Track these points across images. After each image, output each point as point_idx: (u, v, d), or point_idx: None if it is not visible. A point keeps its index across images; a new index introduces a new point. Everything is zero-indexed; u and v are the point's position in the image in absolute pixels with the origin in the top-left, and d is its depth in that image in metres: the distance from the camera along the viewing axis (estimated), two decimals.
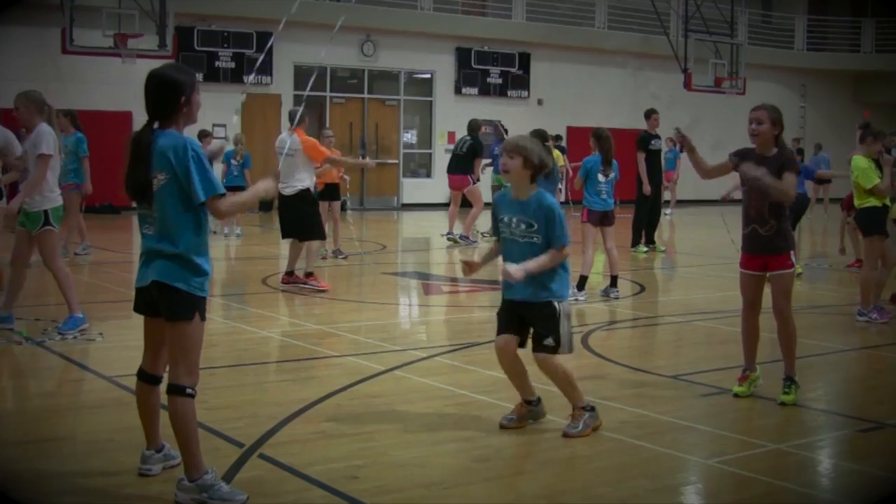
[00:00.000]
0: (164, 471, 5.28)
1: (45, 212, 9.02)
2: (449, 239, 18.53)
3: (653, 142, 17.66)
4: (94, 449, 5.72)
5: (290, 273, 12.32)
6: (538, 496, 5.15)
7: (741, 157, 7.13)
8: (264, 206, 25.88)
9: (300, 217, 12.19)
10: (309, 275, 12.13)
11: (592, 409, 6.27)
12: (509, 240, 6.27)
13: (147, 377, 5.23)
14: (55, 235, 9.17)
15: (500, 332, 6.30)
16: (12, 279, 9.44)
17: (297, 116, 12.00)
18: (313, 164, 12.47)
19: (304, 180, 12.20)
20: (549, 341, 6.14)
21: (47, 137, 8.94)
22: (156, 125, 4.95)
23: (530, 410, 6.37)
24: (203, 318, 5.02)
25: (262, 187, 5.23)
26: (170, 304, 4.93)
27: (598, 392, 7.24)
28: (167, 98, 4.94)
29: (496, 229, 6.45)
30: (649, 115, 17.82)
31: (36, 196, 8.99)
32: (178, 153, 4.84)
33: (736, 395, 7.17)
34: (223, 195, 4.94)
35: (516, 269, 6.02)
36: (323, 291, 11.88)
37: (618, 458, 5.79)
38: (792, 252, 7.08)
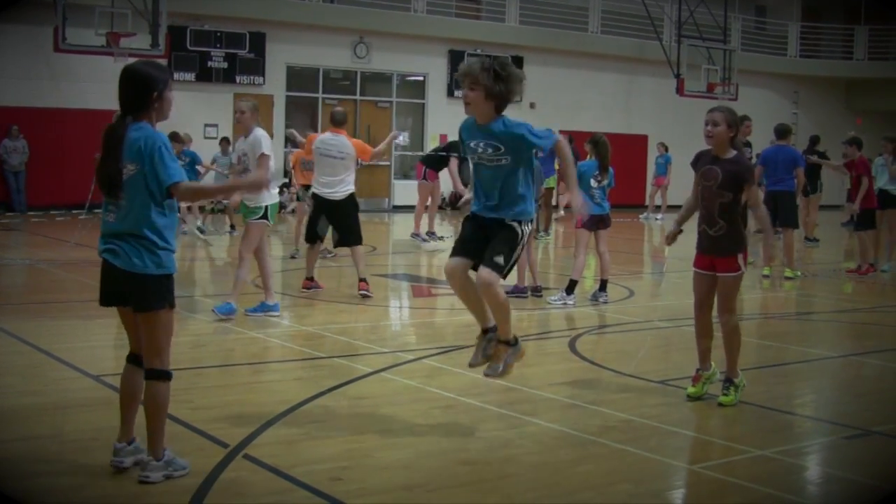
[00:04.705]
0: (135, 466, 5.28)
1: (266, 207, 10.07)
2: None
3: (744, 151, 17.07)
4: (80, 448, 5.71)
5: (311, 278, 12.06)
6: (522, 500, 5.14)
7: (697, 159, 7.24)
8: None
9: (353, 223, 11.91)
10: (364, 280, 11.84)
11: (516, 342, 6.35)
12: (478, 164, 6.22)
13: (137, 360, 5.34)
14: (264, 229, 10.21)
15: (452, 254, 6.27)
16: (262, 271, 10.41)
17: (327, 117, 11.95)
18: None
19: (352, 182, 11.90)
20: (500, 260, 6.07)
21: (265, 140, 10.02)
22: (129, 119, 5.11)
23: (489, 340, 6.37)
24: (172, 306, 5.20)
25: (248, 183, 5.35)
26: (141, 293, 5.09)
27: (585, 396, 7.26)
28: (139, 93, 5.12)
29: (463, 151, 6.47)
30: (741, 121, 17.01)
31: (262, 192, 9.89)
32: (148, 143, 5.02)
33: (689, 398, 7.22)
34: (180, 182, 5.11)
35: (581, 204, 6.40)
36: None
37: (602, 463, 5.78)
38: (740, 255, 7.08)
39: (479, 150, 6.16)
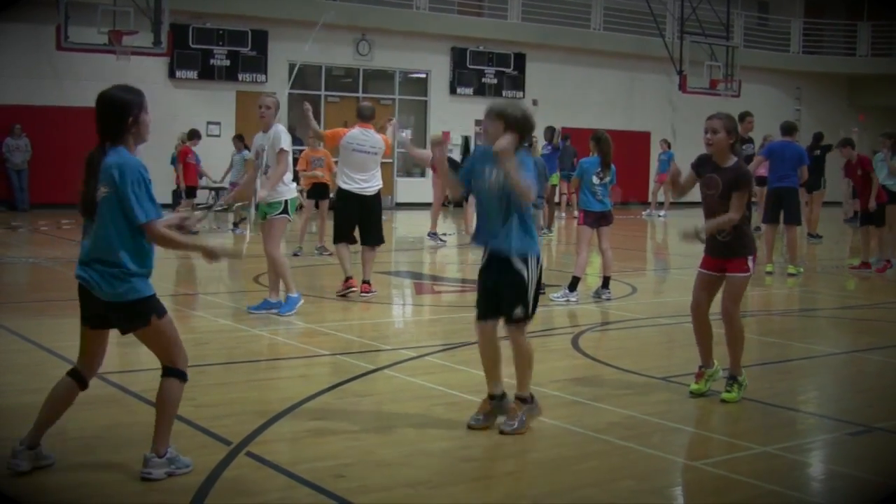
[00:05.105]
0: (36, 470, 5.23)
1: (285, 201, 10.20)
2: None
3: (745, 146, 16.95)
4: (84, 446, 5.71)
5: (352, 277, 11.74)
6: (524, 496, 5.15)
7: (700, 164, 7.23)
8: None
9: (379, 221, 11.79)
10: (367, 283, 11.75)
11: (532, 399, 6.29)
12: (486, 192, 6.22)
13: (79, 377, 5.36)
14: (285, 224, 10.40)
15: (478, 316, 6.28)
16: (269, 267, 10.46)
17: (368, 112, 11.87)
18: None
19: (380, 178, 11.82)
20: (519, 312, 6.12)
21: (284, 136, 10.15)
22: (108, 145, 5.12)
23: (495, 406, 6.31)
24: (162, 315, 5.18)
25: (209, 247, 5.40)
26: (123, 318, 5.15)
27: (588, 393, 7.26)
28: (115, 118, 5.12)
29: (466, 180, 6.39)
30: (743, 117, 16.15)
31: (280, 187, 10.13)
32: (123, 172, 5.01)
33: (692, 394, 7.21)
34: (157, 219, 5.09)
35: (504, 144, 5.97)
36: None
37: (605, 460, 5.78)
38: (750, 258, 7.09)
39: (492, 176, 6.15)
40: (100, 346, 5.37)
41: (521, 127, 6.12)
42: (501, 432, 6.13)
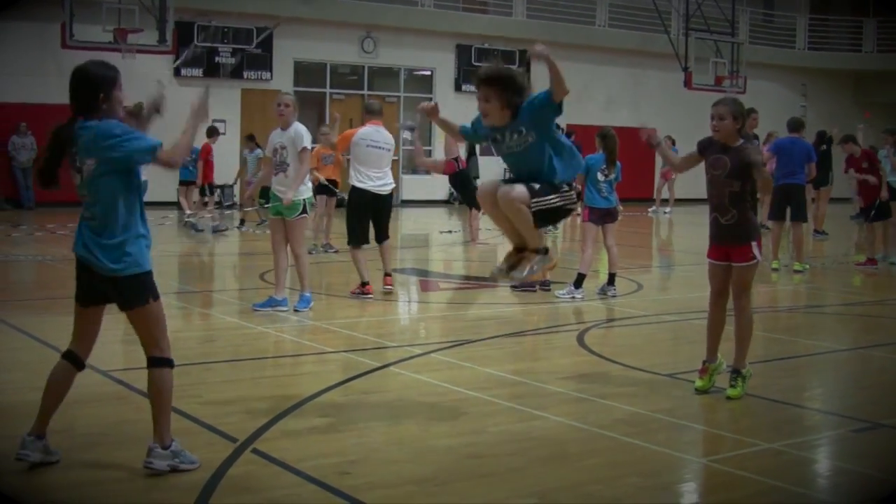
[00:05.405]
0: (46, 466, 5.25)
1: (304, 201, 10.25)
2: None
3: (752, 142, 16.80)
4: (89, 443, 5.73)
5: (390, 274, 11.77)
6: (530, 493, 5.15)
7: (705, 146, 7.23)
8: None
9: (389, 219, 11.73)
10: (389, 275, 11.72)
11: (546, 251, 6.46)
12: (507, 154, 6.39)
13: (75, 359, 5.39)
14: (306, 222, 10.57)
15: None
16: (276, 265, 10.41)
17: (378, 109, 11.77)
18: None
19: (392, 177, 11.70)
20: (535, 185, 6.21)
21: (306, 134, 10.18)
22: (79, 120, 5.15)
23: (521, 258, 6.47)
24: (157, 298, 5.24)
25: (195, 116, 5.33)
26: (124, 293, 5.17)
27: (594, 390, 7.25)
28: (87, 93, 5.16)
29: (468, 132, 6.72)
30: (748, 114, 16.26)
31: (300, 186, 10.19)
32: (103, 134, 5.06)
33: (697, 391, 7.18)
34: (160, 146, 5.13)
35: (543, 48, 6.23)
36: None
37: (611, 456, 5.78)
38: (754, 243, 7.06)
39: (506, 139, 6.30)
40: (93, 325, 5.40)
41: (514, 86, 6.32)
42: (512, 277, 6.43)
